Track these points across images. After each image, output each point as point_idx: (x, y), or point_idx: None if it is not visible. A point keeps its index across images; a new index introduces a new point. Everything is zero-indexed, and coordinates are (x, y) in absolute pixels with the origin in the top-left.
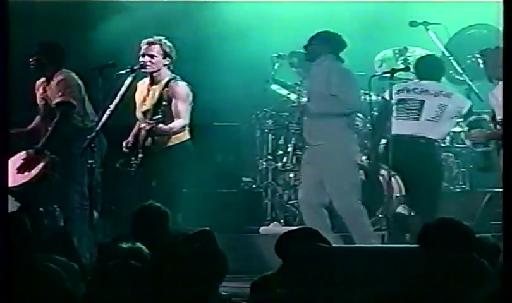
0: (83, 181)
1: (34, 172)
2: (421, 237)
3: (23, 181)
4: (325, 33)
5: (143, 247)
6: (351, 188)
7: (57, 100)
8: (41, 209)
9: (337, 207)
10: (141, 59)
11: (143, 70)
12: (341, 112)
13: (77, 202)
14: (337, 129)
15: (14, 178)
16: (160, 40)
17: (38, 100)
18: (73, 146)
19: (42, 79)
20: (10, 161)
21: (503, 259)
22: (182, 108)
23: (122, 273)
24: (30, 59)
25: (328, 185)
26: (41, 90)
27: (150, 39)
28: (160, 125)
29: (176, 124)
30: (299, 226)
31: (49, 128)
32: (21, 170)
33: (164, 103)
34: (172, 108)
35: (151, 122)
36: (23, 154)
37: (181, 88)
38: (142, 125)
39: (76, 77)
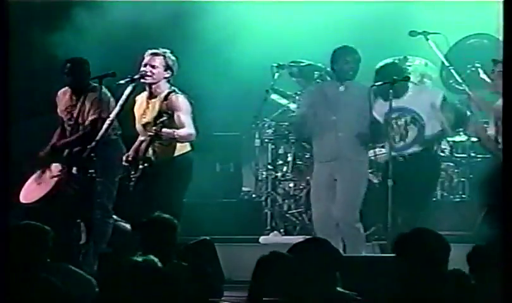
0: (104, 194)
1: (50, 185)
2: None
3: (41, 195)
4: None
5: (156, 259)
6: (357, 201)
7: (91, 118)
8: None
9: (336, 215)
10: (142, 68)
11: (142, 80)
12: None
13: (99, 214)
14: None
15: (32, 194)
16: (165, 52)
17: (64, 113)
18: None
19: (67, 90)
20: (32, 178)
21: (503, 267)
22: (185, 119)
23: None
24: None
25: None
26: (67, 102)
27: (154, 50)
28: (164, 129)
29: (182, 131)
30: (310, 237)
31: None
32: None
33: (164, 116)
34: (176, 120)
35: (155, 127)
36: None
37: (182, 100)
38: (141, 137)
39: (108, 93)
